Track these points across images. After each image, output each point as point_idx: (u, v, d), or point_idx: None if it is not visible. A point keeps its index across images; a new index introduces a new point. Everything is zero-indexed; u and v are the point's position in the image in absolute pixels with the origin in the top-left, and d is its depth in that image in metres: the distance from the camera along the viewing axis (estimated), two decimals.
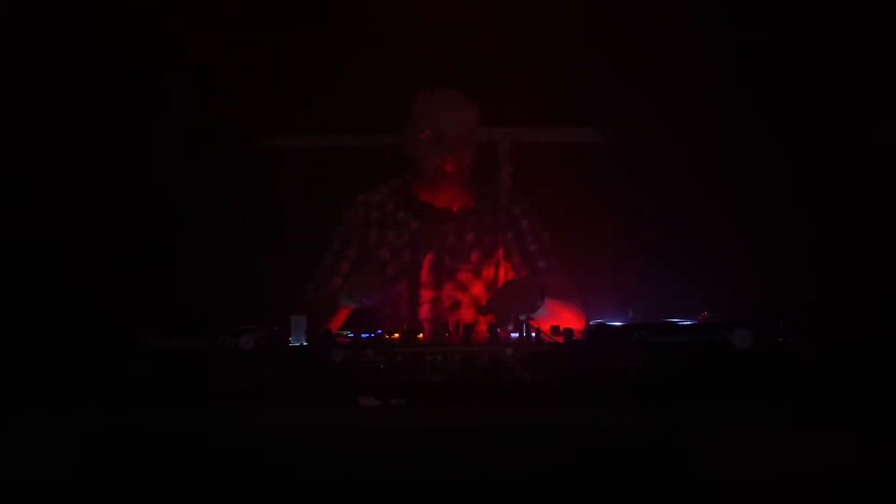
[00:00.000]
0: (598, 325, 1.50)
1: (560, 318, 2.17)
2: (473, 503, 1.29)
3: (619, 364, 1.38)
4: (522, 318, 1.96)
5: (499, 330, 1.54)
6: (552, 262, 2.35)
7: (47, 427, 1.37)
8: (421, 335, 1.52)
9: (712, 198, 2.94)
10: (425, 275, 2.31)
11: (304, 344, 1.50)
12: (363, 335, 1.55)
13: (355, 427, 1.35)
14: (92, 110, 2.91)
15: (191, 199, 3.06)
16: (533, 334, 1.58)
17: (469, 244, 2.33)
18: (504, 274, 2.36)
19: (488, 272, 2.33)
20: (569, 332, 1.50)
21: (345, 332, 1.66)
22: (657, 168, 2.99)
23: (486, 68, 2.89)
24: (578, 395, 1.37)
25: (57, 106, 2.86)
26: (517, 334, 1.59)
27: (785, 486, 1.25)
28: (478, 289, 2.31)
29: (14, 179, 2.79)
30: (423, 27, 2.98)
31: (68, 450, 1.35)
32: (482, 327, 2.18)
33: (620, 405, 1.34)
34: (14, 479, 1.34)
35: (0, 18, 2.71)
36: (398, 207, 2.38)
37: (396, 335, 1.56)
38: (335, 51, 3.06)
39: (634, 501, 1.27)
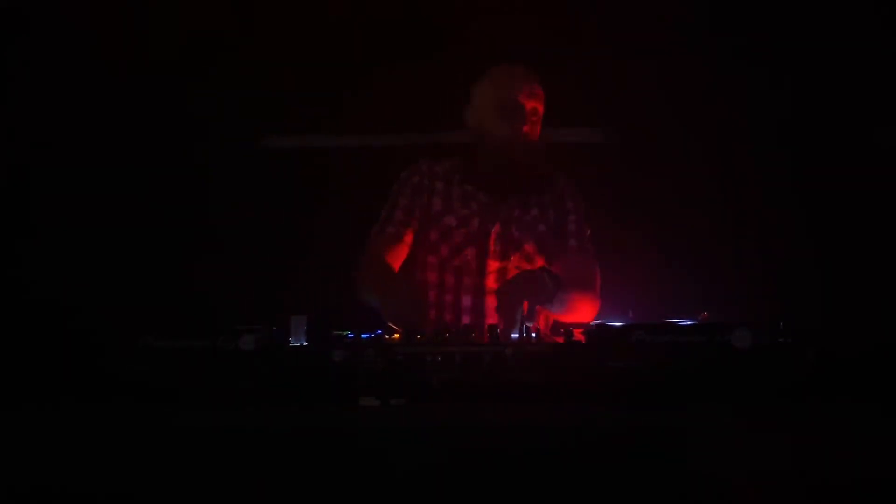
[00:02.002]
0: (598, 325, 1.49)
1: (575, 308, 2.20)
2: (473, 503, 1.29)
3: (619, 364, 1.38)
4: (530, 316, 1.98)
5: (499, 329, 1.54)
6: (584, 246, 2.38)
7: (47, 427, 1.37)
8: (420, 336, 1.52)
9: (713, 198, 2.94)
10: (492, 245, 2.32)
11: (304, 344, 1.50)
12: (363, 335, 1.55)
13: (355, 427, 1.35)
14: (93, 110, 2.92)
15: (191, 199, 3.06)
16: (533, 335, 1.58)
17: (535, 217, 2.37)
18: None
19: (553, 245, 2.35)
20: (569, 332, 1.50)
21: (345, 333, 1.66)
22: (658, 168, 2.99)
23: (484, 68, 2.89)
24: (578, 395, 1.37)
25: (58, 105, 2.86)
26: (517, 334, 1.59)
27: (785, 486, 1.25)
28: (542, 261, 2.33)
29: (14, 179, 2.79)
30: (424, 27, 2.98)
31: (68, 450, 1.35)
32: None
33: (620, 405, 1.34)
34: (14, 480, 1.34)
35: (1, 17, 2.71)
36: (464, 180, 2.41)
37: (396, 335, 1.56)
38: (337, 51, 3.06)
39: (634, 501, 1.27)
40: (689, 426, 1.29)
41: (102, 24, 2.83)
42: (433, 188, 2.41)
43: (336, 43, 3.05)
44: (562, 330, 1.53)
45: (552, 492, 1.28)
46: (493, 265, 2.32)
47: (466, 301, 2.30)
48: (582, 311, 2.21)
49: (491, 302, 2.27)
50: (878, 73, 2.71)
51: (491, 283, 2.31)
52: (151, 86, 2.98)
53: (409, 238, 2.38)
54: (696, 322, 1.47)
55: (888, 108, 2.69)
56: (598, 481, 1.28)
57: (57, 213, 2.88)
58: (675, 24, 2.86)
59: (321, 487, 1.31)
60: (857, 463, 1.25)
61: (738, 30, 2.84)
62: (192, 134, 3.09)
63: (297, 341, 1.50)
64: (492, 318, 2.19)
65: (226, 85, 3.08)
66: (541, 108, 2.36)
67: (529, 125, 2.33)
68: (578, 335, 1.50)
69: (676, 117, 2.99)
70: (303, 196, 3.20)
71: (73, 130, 2.91)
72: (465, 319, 2.27)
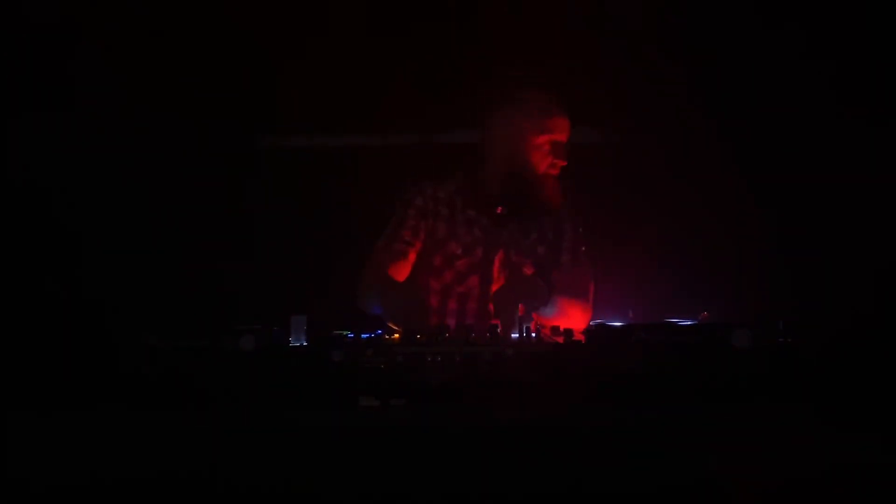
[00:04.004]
0: (598, 325, 1.49)
1: (566, 314, 2.20)
2: (473, 503, 1.29)
3: (619, 364, 1.38)
4: (527, 318, 1.98)
5: (499, 330, 1.54)
6: (578, 260, 2.38)
7: (47, 427, 1.37)
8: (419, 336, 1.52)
9: (713, 198, 2.94)
10: (496, 273, 2.33)
11: (304, 344, 1.50)
12: (363, 335, 1.55)
13: (355, 427, 1.35)
14: (93, 110, 2.92)
15: (191, 199, 3.06)
16: (533, 334, 1.58)
17: (534, 240, 2.38)
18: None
19: (550, 264, 2.36)
20: (569, 332, 1.50)
21: (345, 333, 1.66)
22: (658, 168, 2.99)
23: (485, 68, 2.89)
24: (578, 395, 1.37)
25: (58, 105, 2.86)
26: (517, 334, 1.59)
27: (785, 486, 1.25)
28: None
29: (15, 179, 2.79)
30: (423, 27, 2.98)
31: (68, 450, 1.35)
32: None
33: (620, 405, 1.34)
34: (14, 479, 1.34)
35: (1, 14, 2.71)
36: (466, 205, 2.40)
37: (396, 336, 1.56)
38: (338, 51, 3.06)
39: (633, 501, 1.27)
40: (689, 426, 1.29)
41: (102, 24, 2.82)
42: (437, 212, 2.40)
43: (337, 42, 3.05)
44: (562, 330, 1.53)
45: (552, 491, 1.28)
46: (496, 289, 2.32)
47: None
48: (573, 319, 2.22)
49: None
50: (881, 72, 2.71)
51: (493, 308, 2.30)
52: (151, 85, 2.98)
53: (412, 258, 2.38)
54: (696, 322, 1.47)
55: (890, 108, 2.69)
56: (598, 481, 1.28)
57: (57, 214, 2.88)
58: (673, 23, 2.86)
59: (321, 487, 1.31)
60: (857, 462, 1.25)
61: (737, 29, 2.83)
62: (192, 134, 3.09)
63: (297, 341, 1.50)
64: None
65: (226, 84, 3.07)
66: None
67: (566, 160, 2.34)
68: (578, 335, 1.50)
69: (677, 117, 2.98)
70: (303, 196, 3.20)
71: (74, 130, 2.91)
72: None
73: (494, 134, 2.39)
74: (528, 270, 2.33)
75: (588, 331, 1.47)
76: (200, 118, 3.08)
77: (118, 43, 2.86)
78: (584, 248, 2.41)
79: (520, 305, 2.02)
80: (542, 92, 2.39)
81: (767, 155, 2.90)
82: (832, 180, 2.78)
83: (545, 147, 2.33)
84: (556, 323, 2.16)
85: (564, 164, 2.34)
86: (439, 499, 1.29)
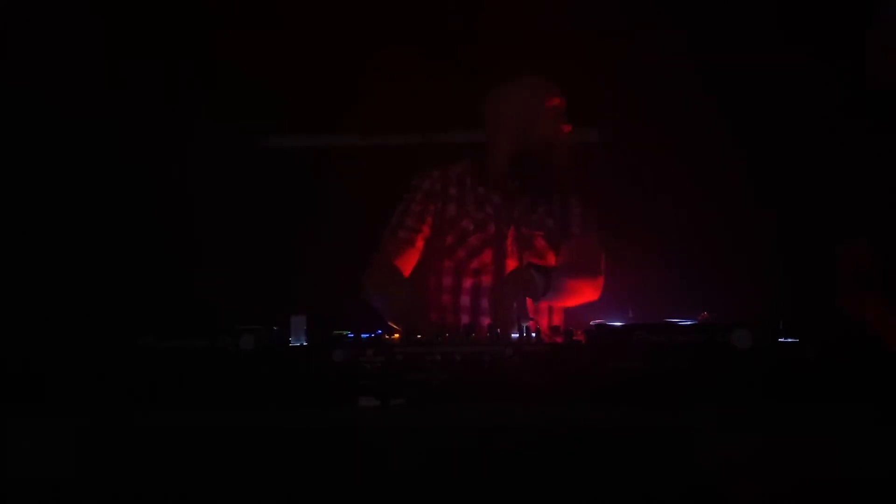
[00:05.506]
0: (598, 325, 1.49)
1: (575, 291, 2.24)
2: (473, 503, 1.29)
3: (619, 364, 1.38)
4: (524, 316, 1.98)
5: (498, 329, 1.54)
6: (587, 230, 2.41)
7: (47, 427, 1.37)
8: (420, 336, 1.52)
9: (712, 198, 2.94)
10: (510, 246, 2.35)
11: (304, 344, 1.50)
12: (363, 335, 1.55)
13: (355, 427, 1.35)
14: (94, 110, 2.92)
15: (191, 199, 3.06)
16: (533, 334, 1.58)
17: (543, 213, 2.40)
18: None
19: (561, 237, 2.39)
20: (569, 332, 1.50)
21: (345, 333, 1.66)
22: (657, 168, 2.99)
23: (484, 69, 2.89)
24: (578, 395, 1.37)
25: (59, 104, 2.86)
26: (517, 334, 1.59)
27: (785, 487, 1.25)
28: (552, 256, 2.38)
29: (15, 178, 2.79)
30: (423, 27, 2.98)
31: (68, 450, 1.35)
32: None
33: (620, 405, 1.34)
34: (14, 479, 1.34)
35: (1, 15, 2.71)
36: (477, 182, 2.43)
37: (396, 336, 1.56)
38: (337, 51, 3.06)
39: (633, 501, 1.27)
40: (688, 426, 1.29)
41: (103, 24, 2.83)
42: (447, 194, 2.43)
43: (338, 42, 3.05)
44: (562, 330, 1.53)
45: (552, 491, 1.28)
46: (511, 265, 2.33)
47: (486, 303, 2.30)
48: (583, 294, 2.25)
49: None
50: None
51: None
52: (152, 85, 2.98)
53: (420, 244, 2.39)
54: (696, 322, 1.47)
55: (891, 107, 2.69)
56: (599, 481, 1.28)
57: (58, 213, 2.88)
58: (672, 22, 2.86)
59: (321, 487, 1.31)
60: (856, 463, 1.25)
61: (736, 29, 2.83)
62: (193, 133, 3.09)
63: (297, 341, 1.50)
64: None
65: (226, 83, 3.07)
66: None
67: (569, 125, 2.40)
68: (578, 335, 1.50)
69: (677, 117, 2.98)
70: (303, 196, 3.20)
71: (74, 129, 2.91)
72: (485, 321, 2.25)
73: (497, 112, 2.44)
74: (540, 244, 2.35)
75: (588, 331, 1.47)
76: (202, 117, 3.08)
77: (119, 41, 2.86)
78: (594, 217, 2.44)
79: (516, 300, 2.03)
80: (529, 72, 2.47)
81: (768, 154, 2.90)
82: (833, 179, 2.78)
83: (549, 113, 2.38)
84: (566, 301, 2.21)
85: (569, 128, 2.39)
86: (440, 499, 1.29)
